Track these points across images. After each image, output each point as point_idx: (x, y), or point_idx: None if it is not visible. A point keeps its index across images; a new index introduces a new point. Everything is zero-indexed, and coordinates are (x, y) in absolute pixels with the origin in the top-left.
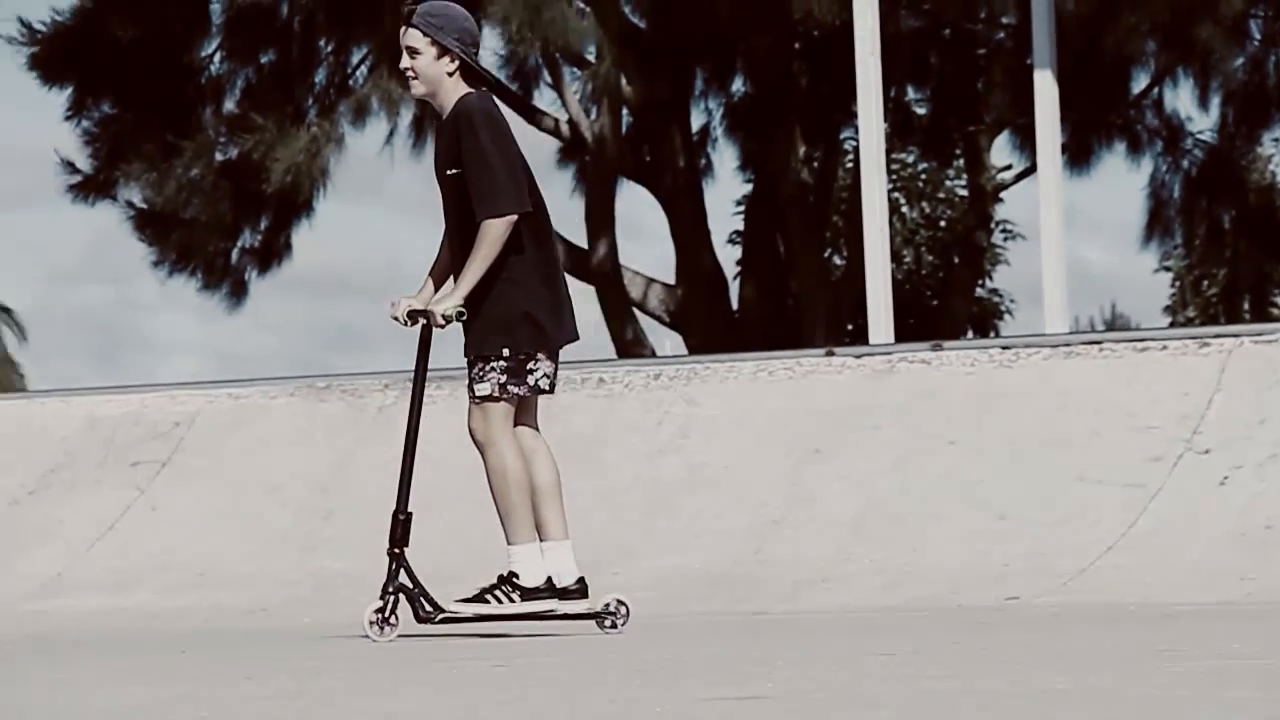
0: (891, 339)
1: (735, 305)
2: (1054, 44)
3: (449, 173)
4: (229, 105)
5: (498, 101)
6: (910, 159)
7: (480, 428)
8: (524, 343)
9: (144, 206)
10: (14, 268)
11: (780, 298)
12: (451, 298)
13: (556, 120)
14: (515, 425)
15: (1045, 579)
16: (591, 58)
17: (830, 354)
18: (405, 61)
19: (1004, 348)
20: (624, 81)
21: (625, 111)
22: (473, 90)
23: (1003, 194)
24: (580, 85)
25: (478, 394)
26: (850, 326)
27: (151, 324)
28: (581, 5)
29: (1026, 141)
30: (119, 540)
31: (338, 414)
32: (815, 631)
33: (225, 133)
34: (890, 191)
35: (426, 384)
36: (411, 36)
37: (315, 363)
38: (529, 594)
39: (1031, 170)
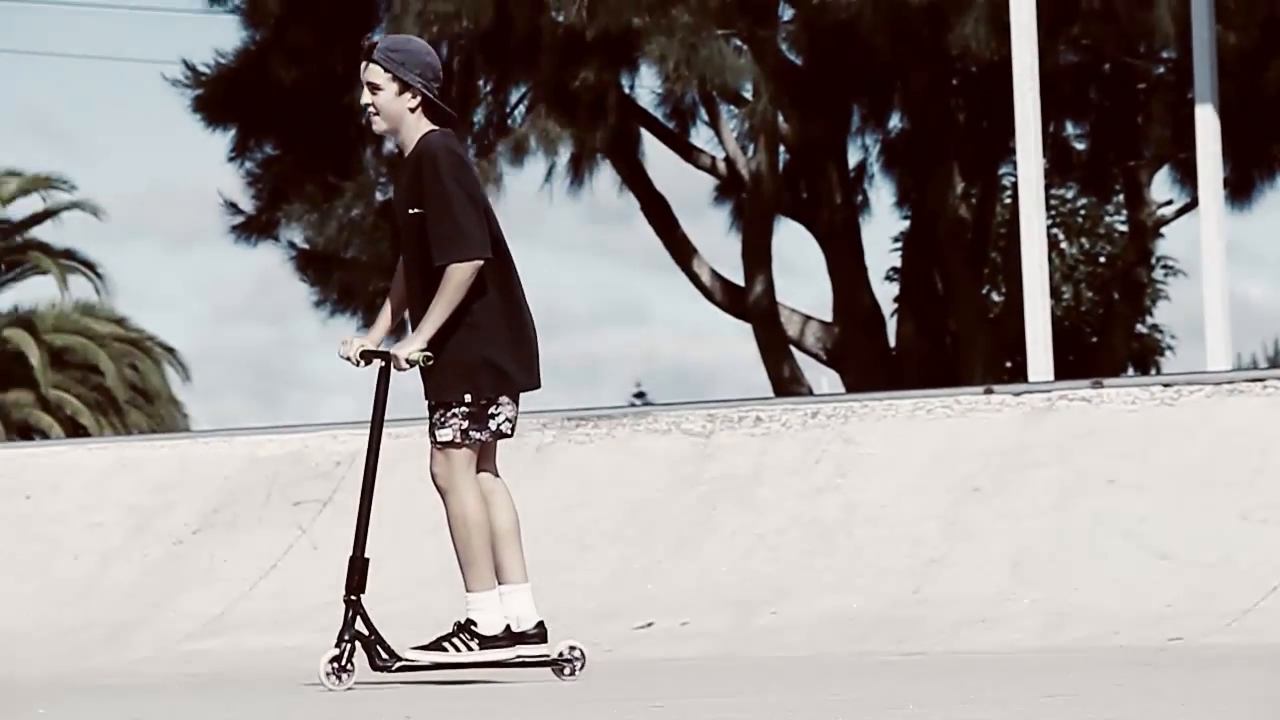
0: (1051, 376)
1: (893, 342)
2: (1215, 77)
3: (410, 212)
4: (388, 146)
5: (457, 140)
6: (1069, 194)
7: (443, 473)
8: (486, 388)
9: (305, 247)
10: (178, 308)
11: (938, 335)
12: (414, 342)
13: (713, 158)
14: (476, 470)
15: (1209, 619)
16: (749, 95)
17: (989, 391)
18: (366, 97)
19: (1165, 385)
20: (781, 119)
21: (782, 149)
22: (436, 128)
23: (1163, 229)
24: (737, 123)
25: (440, 439)
26: (1009, 364)
27: (312, 363)
28: (739, 43)
29: (1187, 176)
30: (281, 579)
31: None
32: (975, 672)
33: (385, 173)
34: (1049, 227)
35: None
36: (372, 72)
37: None
38: (487, 642)
39: (1192, 205)
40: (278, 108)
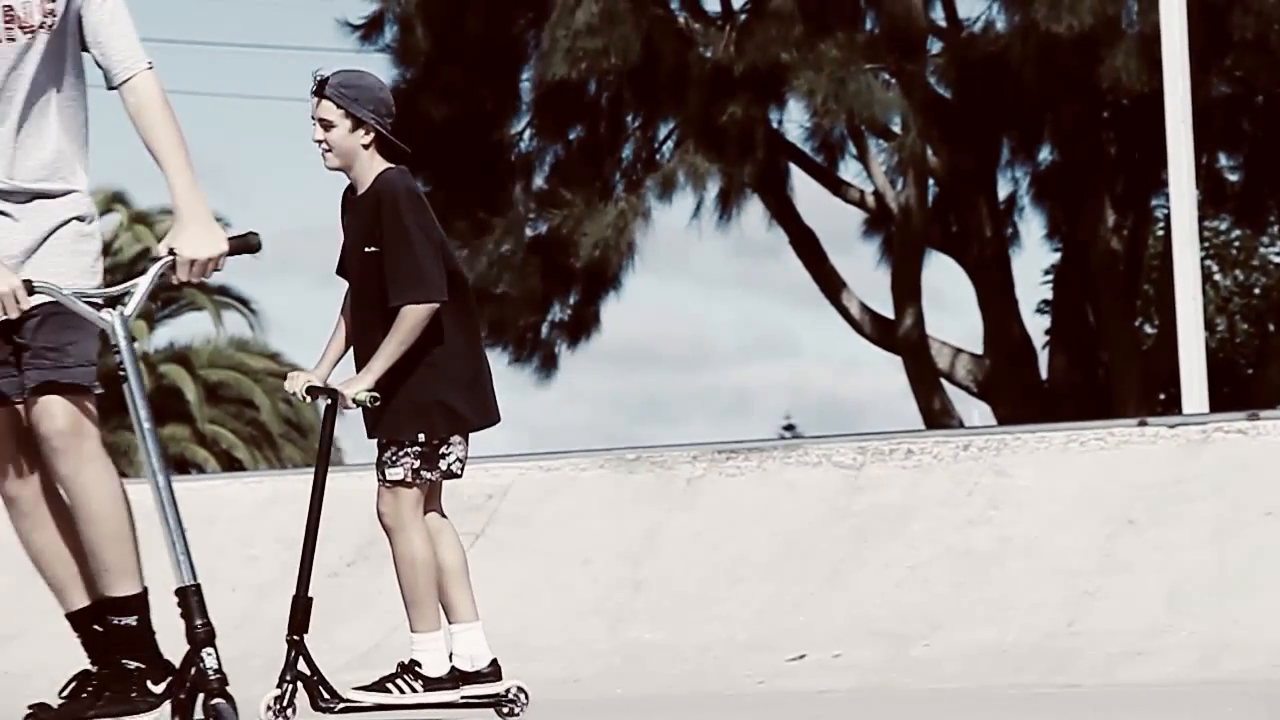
0: (1206, 408)
1: (1044, 375)
2: None
3: (366, 250)
4: (538, 181)
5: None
6: (1223, 226)
7: (390, 512)
8: (439, 428)
9: None
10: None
11: (1090, 367)
12: (363, 380)
13: (862, 192)
14: (424, 509)
15: None
16: (897, 129)
17: (1143, 424)
18: (318, 134)
19: None
20: (930, 152)
21: (931, 182)
22: (391, 166)
23: None
24: (886, 156)
25: (389, 478)
26: (1163, 396)
27: None
28: (887, 77)
29: None
30: None
31: (647, 485)
32: (1132, 705)
33: (535, 209)
34: (1202, 259)
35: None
36: (324, 109)
37: (623, 434)
38: (432, 684)
39: None
40: (428, 145)
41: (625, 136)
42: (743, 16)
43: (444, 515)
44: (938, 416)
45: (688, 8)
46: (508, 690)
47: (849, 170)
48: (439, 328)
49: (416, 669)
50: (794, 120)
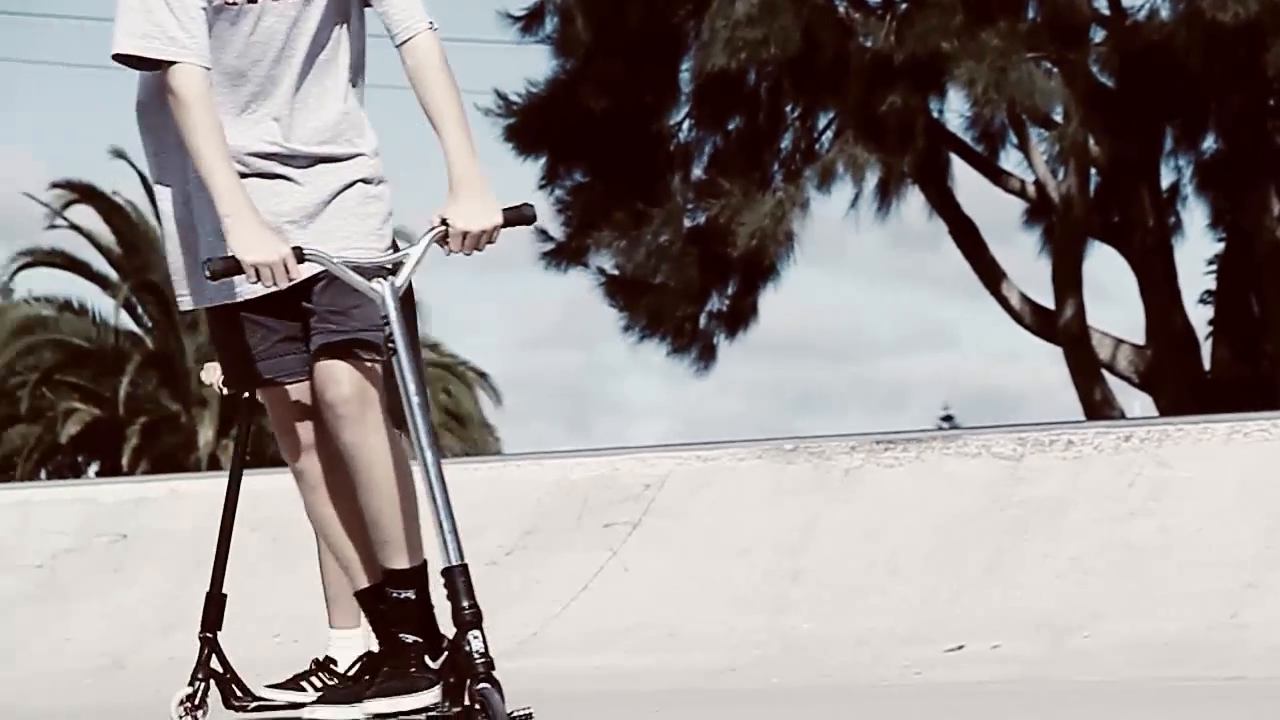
0: None
1: (1207, 365)
2: None
3: None
4: (697, 172)
5: None
6: None
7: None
8: None
9: (614, 273)
10: (490, 332)
11: (1254, 358)
12: None
13: (1023, 181)
14: None
15: None
16: (1059, 118)
17: None
18: None
19: None
20: (1092, 141)
21: (1093, 171)
22: None
23: None
24: (1047, 146)
25: None
26: None
27: (620, 387)
28: (1049, 65)
29: None
30: (592, 600)
31: (805, 476)
32: None
33: (693, 199)
34: None
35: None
36: None
37: (780, 425)
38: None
39: None
40: (587, 136)
41: (784, 127)
42: (903, 5)
43: None
44: (1098, 407)
45: None
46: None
47: (1010, 160)
48: None
49: (332, 666)
50: (954, 110)
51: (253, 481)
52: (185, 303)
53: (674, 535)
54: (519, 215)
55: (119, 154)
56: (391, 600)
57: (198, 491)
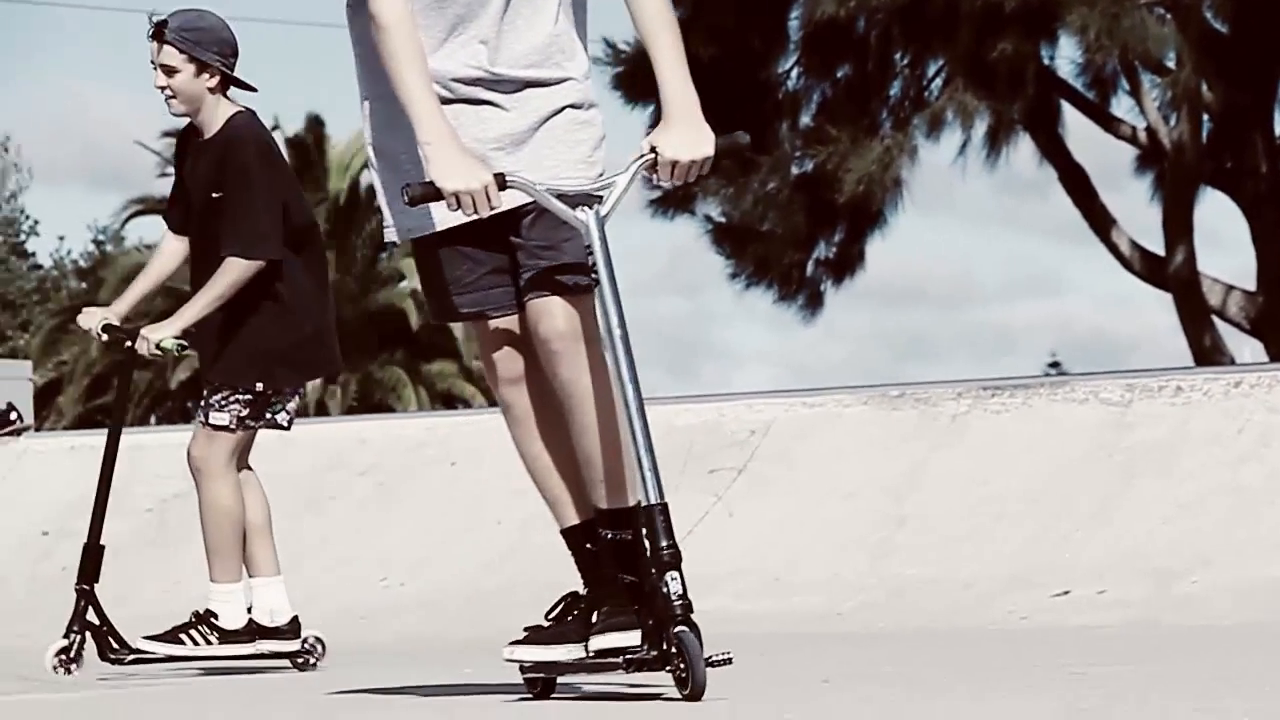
0: None
1: None
2: None
3: (212, 196)
4: (805, 119)
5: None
6: None
7: (202, 455)
8: (278, 379)
9: (721, 220)
10: None
11: None
12: (169, 327)
13: (1134, 128)
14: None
15: None
16: (1171, 64)
17: None
18: (160, 80)
19: None
20: (1205, 87)
21: (1205, 117)
22: (241, 109)
23: None
24: (1159, 92)
25: (213, 422)
26: None
27: (725, 335)
28: (1162, 11)
29: None
30: (698, 545)
31: (910, 422)
32: None
33: (801, 146)
34: None
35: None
36: (166, 54)
37: (886, 372)
38: (227, 636)
39: None
40: (695, 84)
41: (893, 74)
42: None
43: (251, 469)
44: (1208, 354)
45: None
46: (305, 640)
47: (1121, 106)
48: (288, 278)
49: (212, 620)
50: (1065, 56)
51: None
52: (390, 234)
53: (779, 481)
54: (732, 144)
55: None
56: (607, 542)
57: (305, 437)
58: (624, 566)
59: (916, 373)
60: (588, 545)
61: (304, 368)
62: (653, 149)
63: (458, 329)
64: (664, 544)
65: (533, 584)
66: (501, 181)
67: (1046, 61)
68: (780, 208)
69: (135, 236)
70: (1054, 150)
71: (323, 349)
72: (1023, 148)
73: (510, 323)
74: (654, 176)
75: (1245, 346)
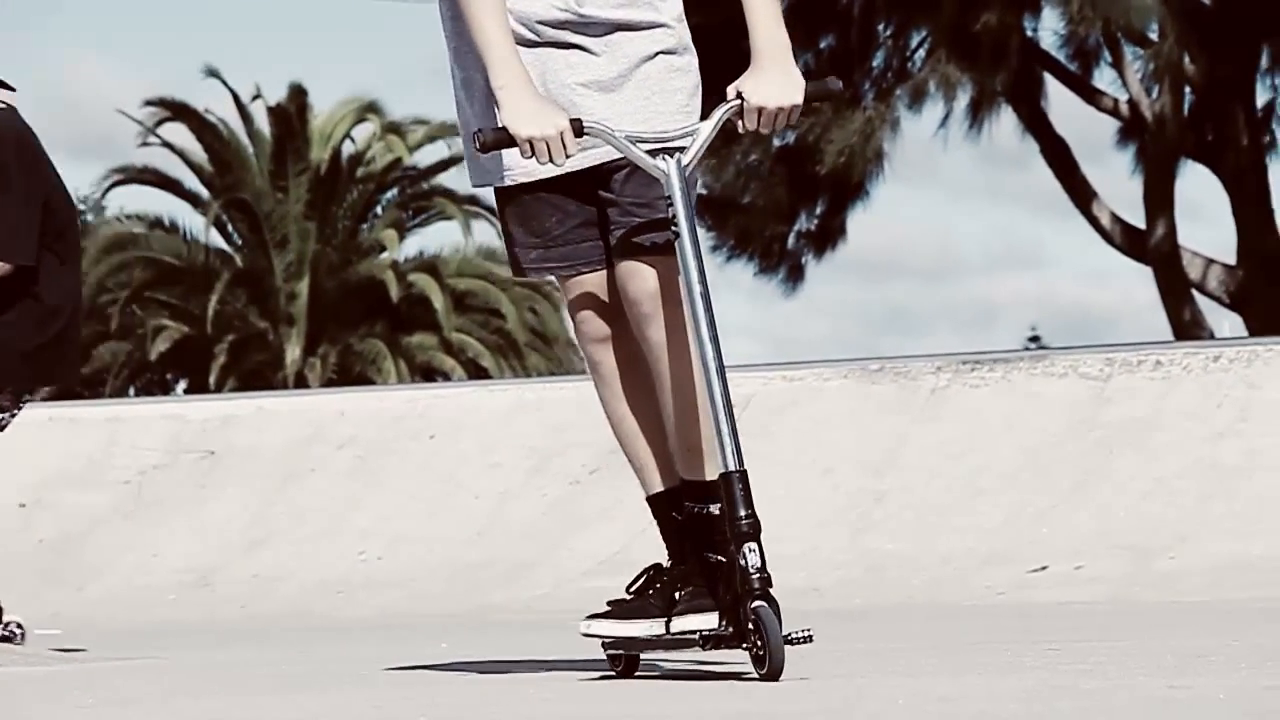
0: None
1: None
2: None
3: None
4: None
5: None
6: None
7: None
8: (13, 381)
9: (703, 192)
10: None
11: None
12: None
13: (1116, 100)
14: None
15: None
16: (1154, 36)
17: None
18: None
19: None
20: (1187, 59)
21: (1187, 90)
22: (1, 105)
23: None
24: (1141, 64)
25: None
26: None
27: None
28: None
29: None
30: None
31: (890, 396)
32: None
33: None
34: None
35: None
36: None
37: (867, 345)
38: None
39: None
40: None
41: (876, 45)
42: None
43: None
44: (1188, 328)
45: None
46: (6, 625)
47: (1103, 78)
48: (36, 279)
49: None
50: (1048, 28)
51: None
52: (475, 179)
53: (758, 455)
54: (823, 90)
55: (212, 72)
56: (693, 515)
57: (285, 409)
58: (709, 542)
59: (897, 346)
60: (673, 514)
61: (34, 374)
62: (739, 95)
63: (438, 301)
64: (742, 513)
65: (509, 560)
66: (578, 127)
67: (1029, 33)
68: (761, 180)
69: (116, 206)
70: (1036, 123)
71: (60, 358)
72: (1005, 120)
73: (599, 279)
74: (740, 124)
75: (1225, 321)
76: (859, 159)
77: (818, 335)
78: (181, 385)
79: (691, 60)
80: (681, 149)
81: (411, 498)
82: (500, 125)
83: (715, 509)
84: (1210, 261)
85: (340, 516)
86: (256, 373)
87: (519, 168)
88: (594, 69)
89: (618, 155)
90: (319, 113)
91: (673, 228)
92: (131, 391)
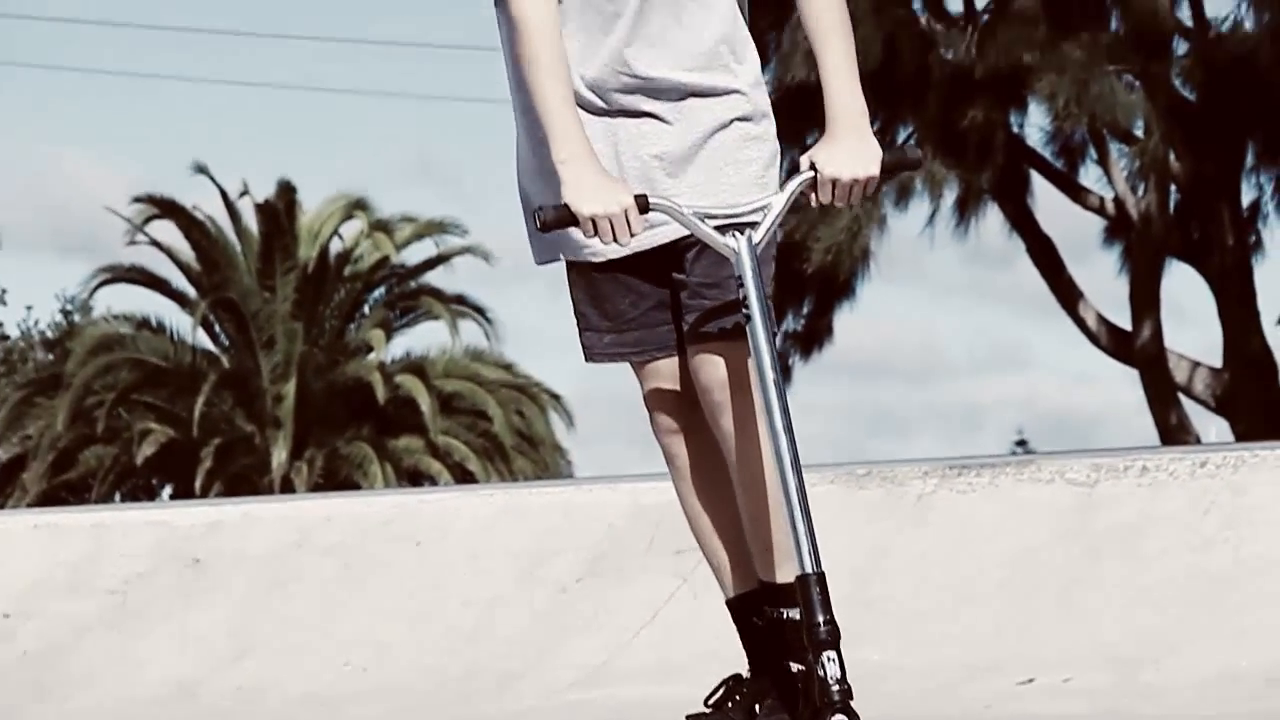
0: None
1: None
2: None
3: None
4: None
5: None
6: None
7: None
8: None
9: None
10: (564, 354)
11: None
12: None
13: (1102, 198)
14: None
15: None
16: (1139, 133)
17: None
18: None
19: None
20: (1172, 157)
21: (1173, 188)
22: None
23: None
24: (1127, 161)
25: None
26: None
27: None
28: (1131, 79)
29: None
30: (663, 629)
31: (877, 501)
32: None
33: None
34: None
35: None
36: None
37: (854, 447)
38: None
39: None
40: None
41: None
42: (985, 17)
43: None
44: (1174, 432)
45: (930, 8)
46: None
47: (1089, 176)
48: None
49: None
50: (1034, 124)
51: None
52: (538, 255)
53: None
54: (902, 160)
55: (200, 168)
56: (773, 619)
57: (271, 515)
58: (791, 652)
59: (884, 448)
60: (754, 620)
61: None
62: (812, 166)
63: (424, 403)
64: (820, 619)
65: (497, 670)
66: (643, 204)
67: (1015, 129)
68: None
69: (104, 305)
70: (1022, 220)
71: None
72: (991, 217)
73: (673, 366)
74: (814, 197)
75: (1212, 425)
76: (845, 257)
77: (807, 436)
78: (167, 490)
79: (769, 128)
80: (753, 225)
81: (398, 606)
82: (562, 202)
83: (793, 614)
84: (1196, 364)
85: (325, 625)
86: (243, 476)
87: (587, 246)
88: (667, 139)
89: (685, 233)
90: (307, 209)
91: (743, 310)
92: (117, 497)
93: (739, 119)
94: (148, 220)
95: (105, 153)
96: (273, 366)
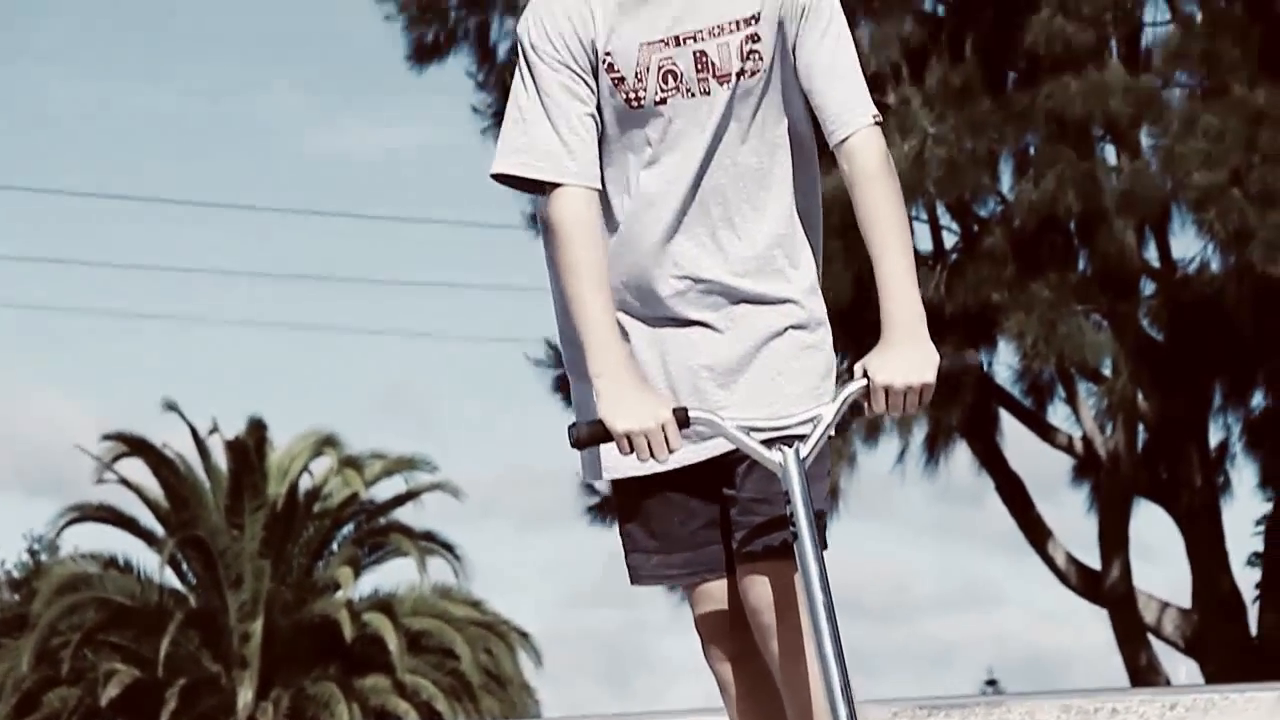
0: None
1: (1254, 630)
2: None
3: None
4: None
5: None
6: None
7: None
8: None
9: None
10: (532, 591)
11: None
12: None
13: (1070, 437)
14: None
15: None
16: (1107, 372)
17: None
18: None
19: None
20: (1140, 396)
21: (1141, 427)
22: None
23: None
24: (1095, 400)
25: None
26: None
27: (661, 647)
28: (1098, 319)
29: None
30: None
31: None
32: None
33: None
34: None
35: None
36: None
37: None
38: None
39: None
40: None
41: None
42: (954, 256)
43: None
44: (1144, 673)
45: None
46: None
47: (1058, 414)
48: None
49: None
50: (1003, 363)
51: None
52: (586, 473)
53: None
54: (960, 365)
55: (171, 406)
56: None
57: None
58: None
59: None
60: None
61: None
62: (865, 374)
63: (392, 642)
64: None
65: None
66: (683, 417)
67: (984, 368)
68: None
69: (71, 545)
70: (991, 458)
71: None
72: (960, 455)
73: (723, 587)
74: (868, 406)
75: (1181, 666)
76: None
77: None
78: None
79: (825, 336)
80: (802, 438)
81: None
82: (596, 419)
83: None
84: (1165, 604)
85: None
86: (209, 717)
87: (630, 463)
88: (718, 349)
89: (731, 447)
90: (277, 446)
91: (790, 527)
92: None
93: (794, 326)
94: (117, 458)
95: (74, 391)
96: (240, 605)
